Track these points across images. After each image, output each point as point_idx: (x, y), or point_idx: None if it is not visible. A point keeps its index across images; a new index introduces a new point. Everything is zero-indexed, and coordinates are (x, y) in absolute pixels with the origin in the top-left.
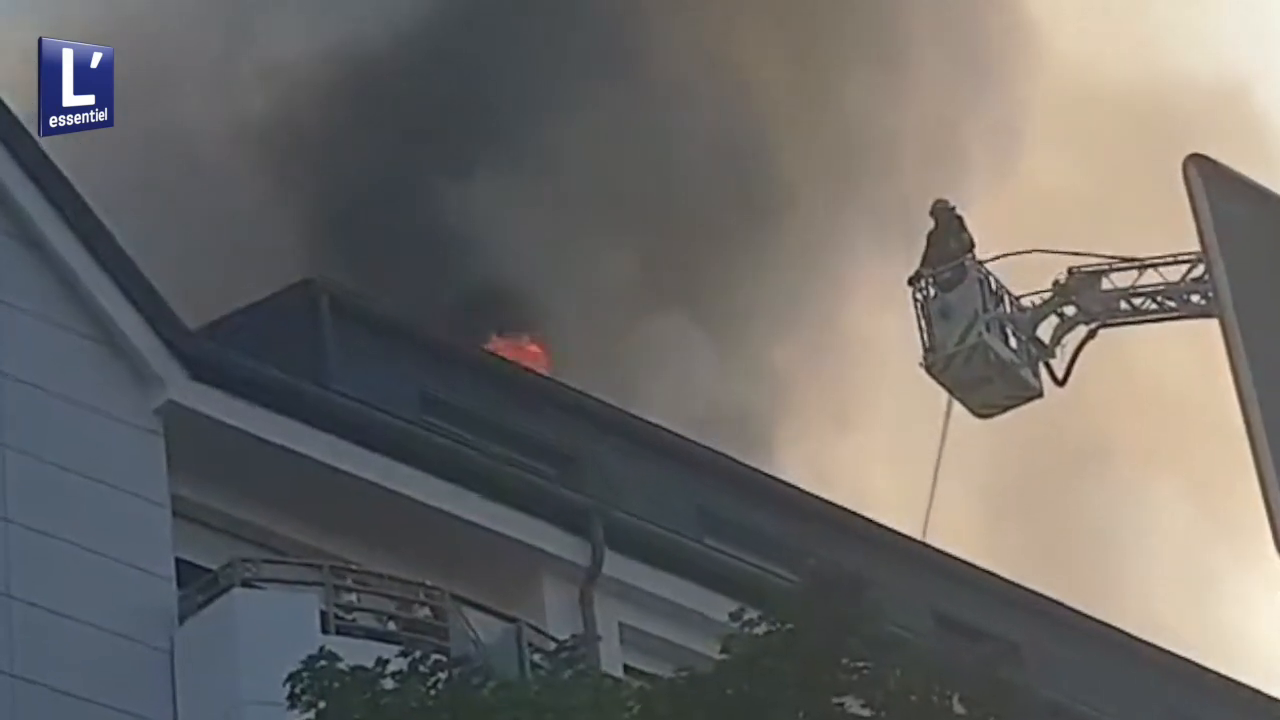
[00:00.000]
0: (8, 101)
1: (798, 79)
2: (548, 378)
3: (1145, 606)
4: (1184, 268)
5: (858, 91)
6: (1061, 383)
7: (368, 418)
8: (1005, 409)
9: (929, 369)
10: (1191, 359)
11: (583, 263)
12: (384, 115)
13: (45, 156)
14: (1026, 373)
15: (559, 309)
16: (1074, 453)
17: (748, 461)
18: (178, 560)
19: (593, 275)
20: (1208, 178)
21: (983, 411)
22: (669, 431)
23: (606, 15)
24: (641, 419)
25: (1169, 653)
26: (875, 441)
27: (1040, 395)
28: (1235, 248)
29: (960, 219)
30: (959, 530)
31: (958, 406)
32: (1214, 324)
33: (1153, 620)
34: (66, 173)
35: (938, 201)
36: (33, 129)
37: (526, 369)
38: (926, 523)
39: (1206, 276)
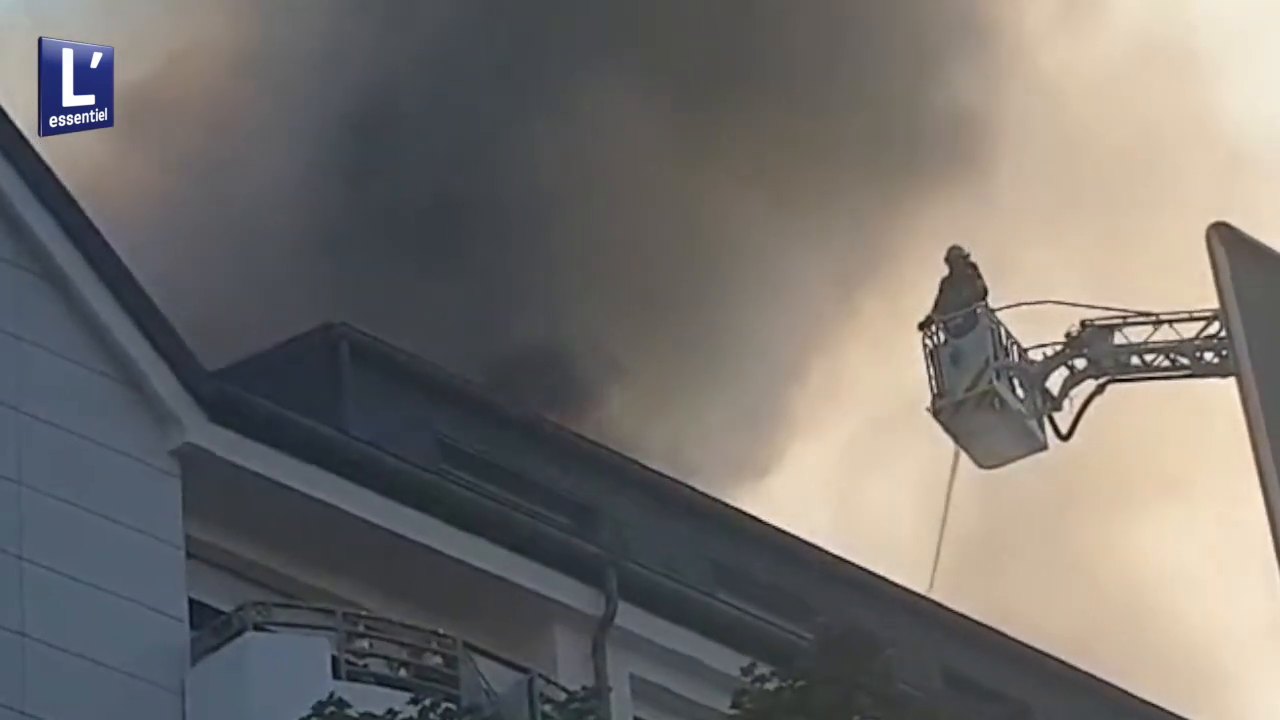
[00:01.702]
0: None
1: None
2: (565, 428)
3: (1157, 670)
4: (1199, 325)
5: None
6: (1066, 437)
7: (384, 464)
8: (1010, 460)
9: (936, 414)
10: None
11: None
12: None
13: (68, 195)
14: (1033, 424)
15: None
16: (1084, 509)
17: (760, 516)
18: (191, 601)
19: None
20: (1230, 245)
21: (987, 462)
22: (684, 485)
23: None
24: (657, 471)
25: (1182, 719)
26: (884, 493)
27: (1045, 448)
28: (1256, 314)
29: (974, 266)
30: (964, 585)
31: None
32: (1226, 383)
33: (1165, 684)
34: (89, 211)
35: (953, 248)
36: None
37: (544, 419)
38: (933, 577)
39: (1223, 334)
